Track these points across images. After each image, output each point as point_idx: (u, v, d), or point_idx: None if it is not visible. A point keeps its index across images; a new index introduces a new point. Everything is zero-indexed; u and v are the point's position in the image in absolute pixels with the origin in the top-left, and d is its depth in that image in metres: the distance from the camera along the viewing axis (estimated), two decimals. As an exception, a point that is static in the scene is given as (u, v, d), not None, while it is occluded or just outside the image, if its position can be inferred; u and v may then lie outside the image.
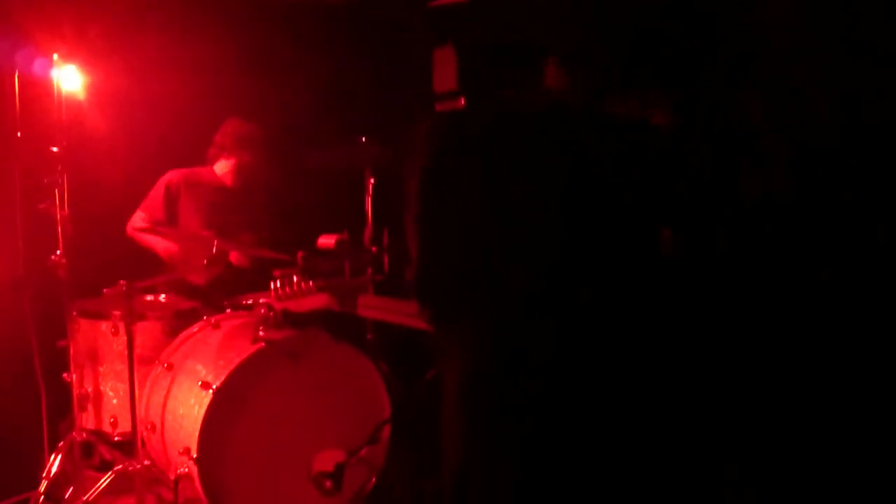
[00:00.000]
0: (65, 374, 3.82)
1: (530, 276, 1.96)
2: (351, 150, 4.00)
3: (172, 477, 3.44)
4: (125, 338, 3.63)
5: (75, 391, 3.80)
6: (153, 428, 3.62)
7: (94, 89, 4.26)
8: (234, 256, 4.36)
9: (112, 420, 3.80)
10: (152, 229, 4.24)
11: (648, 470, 2.01)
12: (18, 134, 3.76)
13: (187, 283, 4.24)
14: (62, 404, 3.91)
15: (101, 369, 3.83)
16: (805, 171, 3.15)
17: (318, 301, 2.74)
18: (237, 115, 4.47)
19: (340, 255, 3.90)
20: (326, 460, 3.40)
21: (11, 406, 3.90)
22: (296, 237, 4.22)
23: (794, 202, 3.07)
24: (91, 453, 3.94)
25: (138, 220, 4.32)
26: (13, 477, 3.82)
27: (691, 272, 2.23)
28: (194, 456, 3.29)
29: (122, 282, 3.64)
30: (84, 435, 3.79)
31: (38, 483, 3.67)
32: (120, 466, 3.64)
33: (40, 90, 3.76)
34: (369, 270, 3.87)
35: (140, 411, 3.67)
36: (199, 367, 3.52)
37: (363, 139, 3.98)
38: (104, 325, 3.79)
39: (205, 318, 3.81)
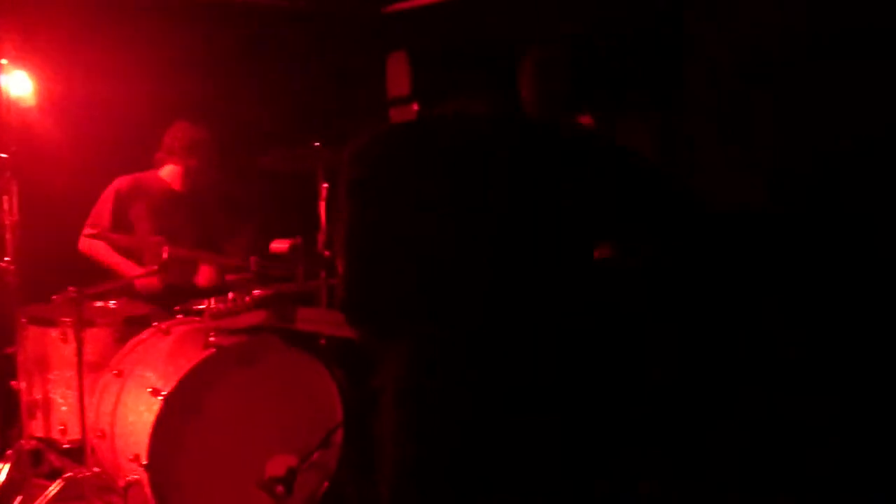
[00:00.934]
0: (13, 382, 3.77)
1: (463, 290, 1.97)
2: (304, 154, 3.99)
3: (122, 484, 3.42)
4: (74, 345, 3.59)
5: (24, 399, 3.75)
6: (103, 435, 3.58)
7: (43, 94, 4.21)
8: (203, 279, 4.32)
9: (61, 427, 3.76)
10: (99, 234, 4.17)
11: (582, 478, 2.03)
12: (-33, 140, 3.70)
13: (138, 289, 4.20)
14: (11, 412, 3.86)
15: (50, 376, 3.79)
16: (759, 183, 3.20)
17: (254, 317, 2.74)
18: (186, 119, 4.43)
19: (294, 259, 3.90)
20: (279, 465, 3.40)
21: (-41, 414, 3.86)
22: (248, 242, 4.23)
23: (745, 211, 3.12)
24: (40, 461, 3.89)
25: (88, 233, 4.26)
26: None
27: (640, 284, 2.25)
28: (144, 463, 3.26)
29: (71, 288, 3.60)
30: (33, 442, 3.75)
31: (-14, 492, 3.63)
32: (69, 474, 3.60)
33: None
34: (323, 275, 3.87)
35: (89, 418, 3.63)
36: (149, 373, 3.50)
37: (316, 143, 3.98)
38: (53, 332, 3.75)
39: (155, 324, 3.78)
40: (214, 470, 3.39)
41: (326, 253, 3.89)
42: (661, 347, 2.29)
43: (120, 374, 3.60)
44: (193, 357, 3.42)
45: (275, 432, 3.50)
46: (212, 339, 3.47)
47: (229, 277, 4.19)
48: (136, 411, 3.43)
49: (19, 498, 3.65)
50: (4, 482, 3.65)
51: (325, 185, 3.98)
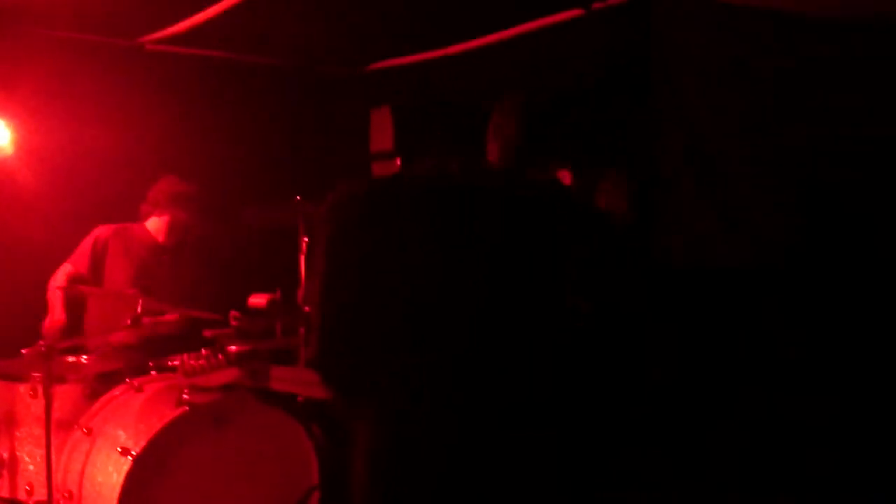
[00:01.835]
0: (-21, 439, 3.67)
1: (436, 351, 1.94)
2: (285, 208, 3.96)
3: (89, 548, 3.31)
4: (43, 401, 3.50)
5: (-11, 457, 3.65)
6: (70, 496, 3.47)
7: (22, 145, 4.19)
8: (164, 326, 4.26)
9: (28, 487, 3.64)
10: (72, 287, 4.11)
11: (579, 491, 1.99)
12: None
13: (110, 345, 4.12)
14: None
15: (17, 434, 3.67)
16: (732, 232, 3.19)
17: (227, 375, 2.69)
18: (171, 172, 4.41)
19: (272, 314, 3.84)
20: (252, 528, 3.31)
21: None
22: (228, 296, 4.16)
23: (719, 265, 3.11)
24: (5, 522, 3.77)
25: (62, 273, 4.21)
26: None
27: (609, 342, 2.21)
28: (112, 526, 3.16)
29: (41, 342, 3.52)
30: (-3, 503, 3.64)
31: (-52, 555, 3.51)
32: (34, 536, 3.50)
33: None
34: (301, 330, 3.81)
35: (57, 478, 3.52)
36: (120, 432, 3.41)
37: (298, 197, 3.95)
38: (22, 388, 3.66)
39: (127, 380, 3.69)
40: (185, 533, 3.29)
41: (306, 308, 3.84)
42: (660, 350, 2.25)
43: (90, 433, 3.50)
44: (165, 415, 3.34)
45: (248, 494, 3.42)
46: (185, 396, 3.39)
47: (207, 333, 4.12)
48: (104, 471, 3.33)
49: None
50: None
51: (306, 239, 3.95)
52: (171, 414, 3.34)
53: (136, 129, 4.70)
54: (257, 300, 3.82)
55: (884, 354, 2.71)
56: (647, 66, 3.50)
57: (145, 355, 3.92)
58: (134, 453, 3.23)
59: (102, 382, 3.76)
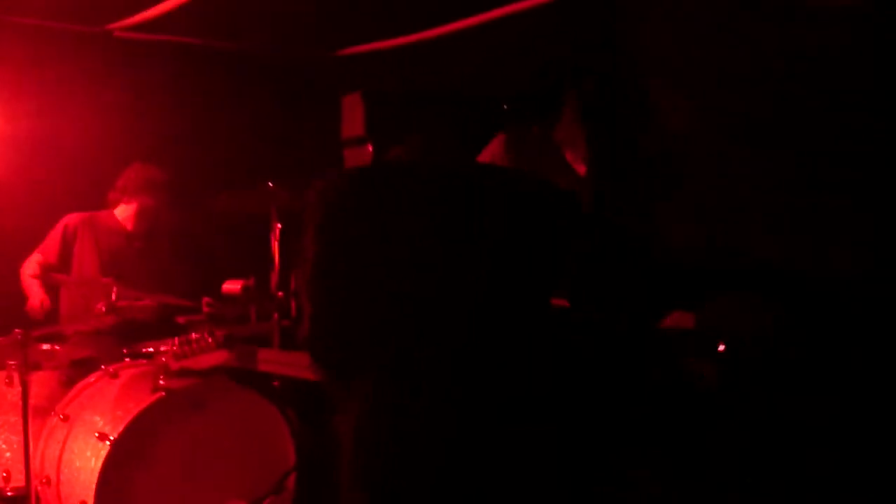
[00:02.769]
0: (-45, 427, 3.67)
1: (424, 333, 1.97)
2: (258, 194, 3.97)
3: (68, 533, 3.33)
4: (20, 388, 3.51)
5: (-34, 445, 3.66)
6: (48, 482, 3.49)
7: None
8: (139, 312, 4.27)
9: (5, 474, 3.66)
10: (45, 275, 4.12)
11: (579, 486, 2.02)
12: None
13: (85, 332, 4.12)
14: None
15: (-7, 421, 3.69)
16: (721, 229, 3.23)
17: (216, 358, 2.71)
18: (140, 159, 4.40)
19: (246, 300, 3.86)
20: (230, 511, 3.34)
21: None
22: (201, 283, 4.18)
23: (708, 258, 3.14)
24: (-18, 510, 3.78)
25: (33, 262, 4.21)
26: None
27: (608, 338, 2.26)
28: (91, 510, 3.18)
29: (17, 330, 3.53)
30: (-26, 491, 3.64)
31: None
32: (12, 523, 3.51)
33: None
34: (276, 316, 3.83)
35: (35, 464, 3.54)
36: (97, 418, 3.42)
37: (270, 184, 3.96)
38: (-3, 375, 3.67)
39: (103, 367, 3.70)
40: (163, 516, 3.32)
41: (279, 294, 3.86)
42: (659, 348, 2.29)
43: (66, 419, 3.52)
44: (142, 401, 3.36)
45: (226, 477, 3.44)
46: (161, 382, 3.41)
47: (180, 319, 4.14)
48: (82, 457, 3.35)
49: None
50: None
51: (279, 225, 3.96)
52: (147, 399, 3.36)
53: (105, 116, 4.69)
54: (231, 286, 3.84)
55: (884, 354, 2.74)
56: (616, 53, 3.54)
57: (120, 342, 3.94)
58: (112, 438, 3.25)
59: (78, 369, 3.78)
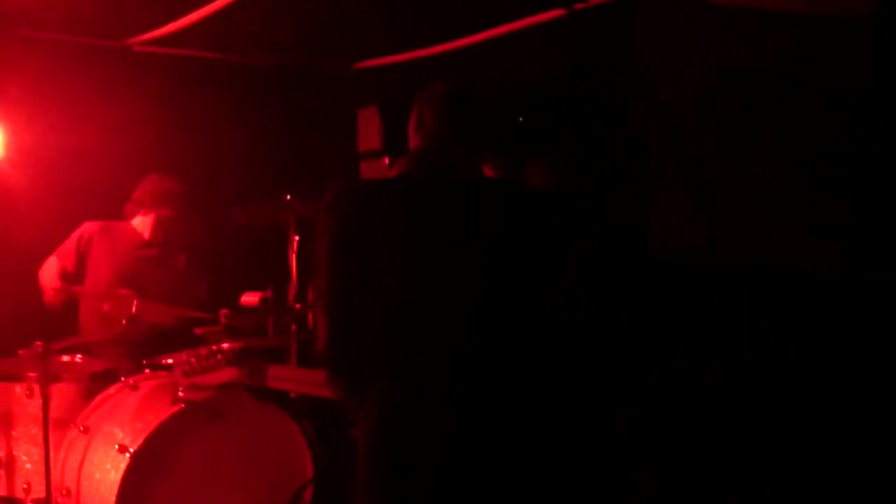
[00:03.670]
0: (-24, 439, 3.70)
1: (431, 337, 1.98)
2: (275, 206, 3.99)
3: (88, 544, 3.35)
4: (40, 400, 3.53)
5: (-13, 456, 3.68)
6: (68, 493, 3.51)
7: (12, 147, 4.20)
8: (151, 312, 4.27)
9: (25, 486, 3.67)
10: (67, 289, 4.13)
11: (580, 485, 2.03)
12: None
13: (105, 344, 4.15)
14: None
15: (14, 433, 3.70)
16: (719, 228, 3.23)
17: (225, 375, 2.72)
18: (157, 171, 4.42)
19: (264, 312, 3.88)
20: (248, 523, 3.35)
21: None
22: (219, 295, 4.20)
23: (708, 259, 3.14)
24: (3, 521, 3.81)
25: (50, 267, 4.21)
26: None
27: (609, 337, 2.27)
28: (111, 522, 3.21)
29: (37, 342, 3.55)
30: (-5, 502, 3.67)
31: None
32: (33, 534, 3.53)
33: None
34: (293, 328, 3.85)
35: (55, 476, 3.55)
36: (117, 429, 3.45)
37: (288, 196, 3.98)
38: (18, 388, 3.68)
39: (123, 379, 3.73)
40: (182, 528, 3.34)
41: (297, 306, 3.88)
42: (660, 349, 2.30)
43: (86, 431, 3.54)
44: (162, 412, 3.38)
45: (244, 489, 3.46)
46: (181, 394, 3.42)
47: (198, 331, 4.15)
48: (102, 469, 3.37)
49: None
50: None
51: (297, 237, 3.98)
52: (167, 411, 3.38)
53: (124, 130, 4.71)
54: (250, 298, 3.86)
55: (884, 353, 2.73)
56: (628, 67, 3.54)
57: (140, 354, 3.96)
58: (132, 450, 3.27)
59: (98, 381, 3.79)
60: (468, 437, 1.96)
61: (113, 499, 3.22)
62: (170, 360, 3.80)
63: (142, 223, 4.38)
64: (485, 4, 4.18)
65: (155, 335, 4.17)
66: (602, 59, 3.83)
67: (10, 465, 3.71)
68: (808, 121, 3.07)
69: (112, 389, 3.71)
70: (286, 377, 2.80)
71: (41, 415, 3.53)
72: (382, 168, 3.51)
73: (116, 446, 3.34)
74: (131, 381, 3.69)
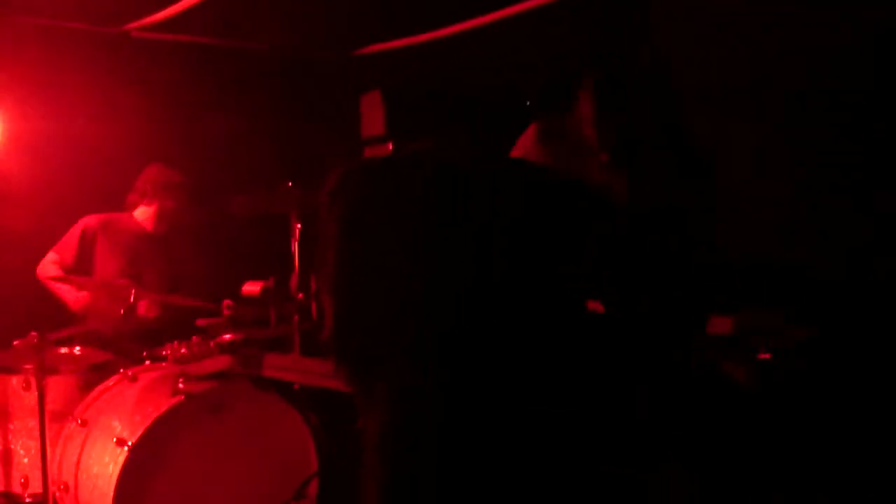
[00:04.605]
0: (-28, 433, 3.64)
1: (454, 327, 1.93)
2: (277, 195, 3.94)
3: (86, 539, 3.29)
4: (36, 393, 3.47)
5: (-17, 450, 3.62)
6: (66, 488, 3.45)
7: (9, 134, 4.14)
8: (142, 307, 4.22)
9: (23, 480, 3.62)
10: (65, 278, 4.09)
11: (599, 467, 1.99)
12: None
13: (103, 334, 4.09)
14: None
15: (11, 426, 3.65)
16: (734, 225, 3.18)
17: (219, 363, 2.67)
18: (158, 160, 4.38)
19: (266, 302, 3.82)
20: (250, 517, 3.30)
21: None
22: (221, 284, 4.14)
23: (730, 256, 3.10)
24: (0, 516, 3.75)
25: (50, 262, 4.17)
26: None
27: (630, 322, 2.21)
28: (109, 517, 3.14)
29: (33, 333, 3.49)
30: (-8, 496, 3.61)
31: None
32: (30, 529, 3.47)
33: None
34: (296, 317, 3.79)
35: (52, 470, 3.50)
36: (115, 422, 3.38)
37: (289, 184, 3.92)
38: (14, 380, 3.63)
39: (121, 370, 3.66)
40: (183, 523, 3.27)
41: (300, 295, 3.82)
42: (681, 331, 2.25)
43: (84, 424, 3.47)
44: (161, 405, 3.31)
45: (246, 483, 3.40)
46: (180, 385, 3.36)
47: (200, 322, 4.10)
48: (100, 462, 3.31)
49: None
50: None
51: (298, 226, 3.92)
52: (166, 403, 3.31)
53: (123, 117, 4.67)
54: (251, 288, 3.80)
55: (884, 354, 2.70)
56: (630, 50, 3.49)
57: (139, 345, 3.90)
58: (130, 443, 3.21)
59: (96, 373, 3.73)
60: (487, 420, 1.90)
61: (111, 493, 3.16)
62: (169, 352, 3.75)
63: (144, 214, 4.36)
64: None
65: (150, 329, 4.12)
66: (602, 41, 3.78)
67: (7, 459, 3.66)
68: (808, 120, 3.05)
69: (111, 381, 3.65)
70: (285, 366, 2.74)
71: (38, 408, 3.46)
72: (386, 153, 3.45)
73: (114, 439, 3.28)
74: (130, 372, 3.62)
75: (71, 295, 4.16)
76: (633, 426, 2.12)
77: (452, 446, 1.91)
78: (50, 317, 3.99)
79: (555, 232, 1.95)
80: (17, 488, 3.63)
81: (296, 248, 3.94)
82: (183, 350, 3.16)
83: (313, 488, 3.52)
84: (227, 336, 3.48)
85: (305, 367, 3.21)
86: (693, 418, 2.34)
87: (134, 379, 3.58)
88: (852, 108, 2.96)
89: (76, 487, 3.40)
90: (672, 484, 2.28)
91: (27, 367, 3.58)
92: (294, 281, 3.90)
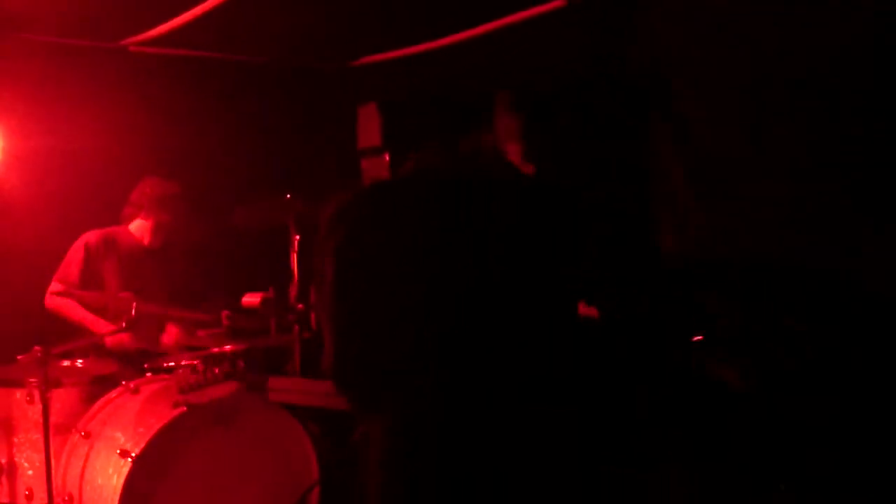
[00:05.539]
0: (-23, 446, 3.66)
1: (449, 356, 1.94)
2: (275, 206, 3.96)
3: (91, 551, 3.31)
4: (40, 406, 3.49)
5: (-12, 463, 3.64)
6: (70, 500, 3.47)
7: (8, 150, 4.17)
8: (170, 338, 4.23)
9: (27, 492, 3.63)
10: (68, 292, 4.10)
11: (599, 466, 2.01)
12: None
13: (105, 348, 4.11)
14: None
15: (15, 439, 3.66)
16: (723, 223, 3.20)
17: (224, 389, 2.68)
18: (155, 174, 4.37)
19: (266, 313, 3.85)
20: (253, 527, 3.32)
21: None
22: (220, 296, 4.17)
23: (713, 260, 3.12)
24: (5, 528, 3.77)
25: (55, 293, 4.16)
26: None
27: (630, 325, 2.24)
28: (113, 528, 3.17)
29: (36, 347, 3.51)
30: (-3, 509, 3.63)
31: (-52, 562, 3.50)
32: (35, 541, 3.49)
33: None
34: (296, 328, 3.81)
35: (57, 482, 3.51)
36: (118, 434, 3.41)
37: (287, 196, 3.94)
38: (19, 394, 3.63)
39: (123, 383, 3.69)
40: (186, 533, 3.30)
41: (299, 306, 3.84)
42: (680, 332, 2.27)
43: (88, 436, 3.50)
44: (164, 416, 3.34)
45: (249, 493, 3.42)
46: (182, 397, 3.39)
47: (201, 333, 4.12)
48: (104, 474, 3.33)
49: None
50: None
51: (297, 237, 3.95)
52: (169, 415, 3.34)
53: (122, 132, 4.69)
54: (251, 299, 3.83)
55: (884, 354, 2.71)
56: (629, 59, 3.52)
57: (141, 356, 3.92)
58: (133, 455, 3.23)
59: (99, 385, 3.75)
60: (489, 422, 1.92)
61: (115, 504, 3.18)
62: (171, 364, 3.77)
63: (140, 228, 4.33)
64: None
65: (153, 342, 4.14)
66: (602, 50, 3.80)
67: (11, 471, 3.67)
68: (808, 120, 3.06)
69: (113, 393, 3.67)
70: (288, 388, 2.76)
71: (42, 420, 3.48)
72: (383, 165, 3.47)
73: (118, 451, 3.30)
74: (132, 384, 3.65)
75: (90, 318, 4.12)
76: (633, 426, 2.15)
77: (453, 448, 1.93)
78: (53, 331, 4.02)
79: (555, 235, 1.97)
80: (21, 500, 3.64)
81: (295, 258, 3.97)
82: (190, 379, 3.18)
83: (314, 497, 3.54)
84: (232, 348, 3.50)
85: (311, 388, 3.23)
86: (692, 418, 2.36)
87: (136, 391, 3.61)
88: (852, 108, 2.96)
89: (80, 499, 3.42)
90: (672, 484, 2.31)
91: (31, 380, 3.59)
92: (293, 292, 3.93)
